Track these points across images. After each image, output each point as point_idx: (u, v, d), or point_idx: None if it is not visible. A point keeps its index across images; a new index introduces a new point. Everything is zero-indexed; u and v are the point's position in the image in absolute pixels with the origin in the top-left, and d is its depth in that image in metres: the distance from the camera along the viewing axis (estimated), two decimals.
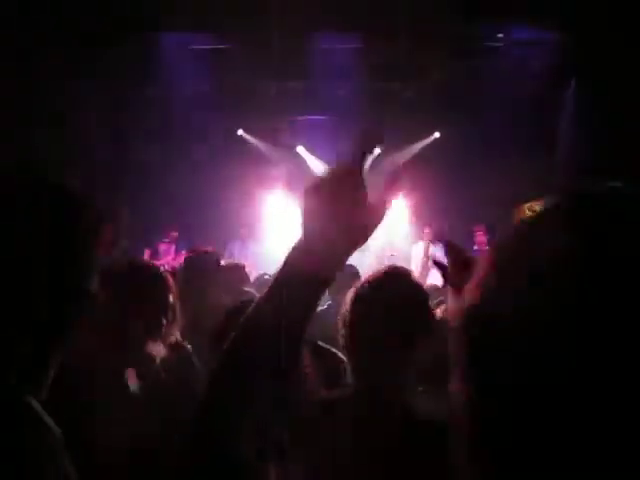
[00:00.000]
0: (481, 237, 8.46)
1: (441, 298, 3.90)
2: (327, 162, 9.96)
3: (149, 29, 6.74)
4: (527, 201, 10.17)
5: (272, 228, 9.92)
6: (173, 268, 8.21)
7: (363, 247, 0.84)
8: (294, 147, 9.93)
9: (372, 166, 8.84)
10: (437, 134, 9.55)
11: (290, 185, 10.12)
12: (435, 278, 8.54)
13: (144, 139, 8.18)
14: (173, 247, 8.64)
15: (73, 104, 6.92)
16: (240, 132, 9.67)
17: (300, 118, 9.10)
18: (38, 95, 6.78)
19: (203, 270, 3.50)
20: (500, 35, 7.17)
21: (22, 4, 5.91)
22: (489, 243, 8.46)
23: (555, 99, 7.30)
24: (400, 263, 8.67)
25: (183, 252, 8.55)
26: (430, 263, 8.81)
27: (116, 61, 6.78)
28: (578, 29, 6.59)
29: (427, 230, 8.76)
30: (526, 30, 6.79)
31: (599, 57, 6.57)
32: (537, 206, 10.16)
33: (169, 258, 8.55)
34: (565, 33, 6.74)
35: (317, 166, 10.02)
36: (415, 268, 8.80)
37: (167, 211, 8.86)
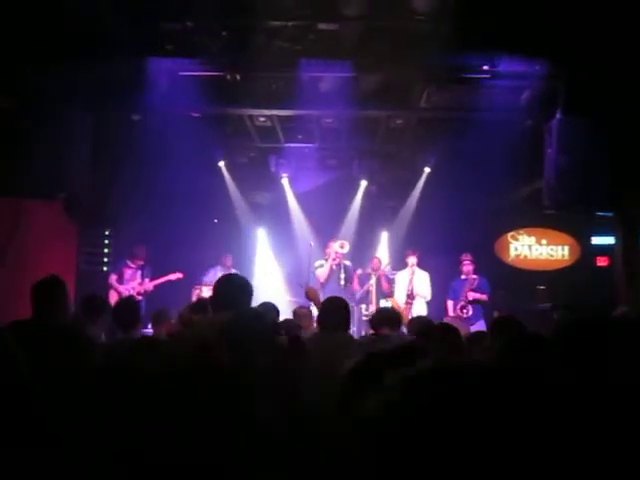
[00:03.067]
0: (468, 266, 8.47)
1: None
2: (312, 192, 10.01)
3: (137, 54, 6.75)
4: (511, 229, 10.26)
5: (258, 258, 9.92)
6: (139, 293, 8.20)
7: None
8: (279, 177, 9.95)
9: (366, 203, 8.88)
10: (428, 169, 9.62)
11: (274, 216, 10.15)
12: (420, 308, 8.56)
13: (129, 162, 8.15)
14: (139, 272, 8.57)
15: (58, 125, 6.89)
16: (220, 164, 9.69)
17: (287, 145, 9.12)
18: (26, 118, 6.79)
19: None
20: (485, 67, 7.27)
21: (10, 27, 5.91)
22: (475, 272, 8.48)
23: (540, 129, 7.37)
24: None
25: (147, 279, 8.55)
26: (416, 291, 8.81)
27: (103, 83, 6.77)
28: (563, 61, 6.69)
29: (412, 258, 8.77)
30: (511, 62, 6.89)
31: (585, 87, 6.66)
32: (520, 235, 10.25)
33: (134, 283, 8.48)
34: (551, 64, 6.84)
35: (294, 201, 10.10)
36: (399, 295, 8.81)
37: (141, 235, 8.83)
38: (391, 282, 8.91)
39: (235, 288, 3.06)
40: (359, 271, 8.91)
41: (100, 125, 7.39)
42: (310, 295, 4.44)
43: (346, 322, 3.94)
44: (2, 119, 6.73)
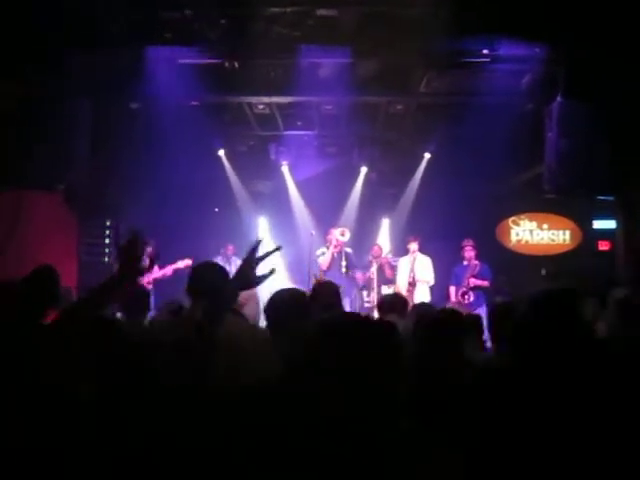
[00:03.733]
0: (469, 252, 8.47)
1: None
2: (312, 180, 10.01)
3: (136, 42, 6.72)
4: (512, 214, 10.25)
5: (259, 247, 9.90)
6: (148, 282, 8.14)
7: None
8: (279, 165, 9.94)
9: (366, 190, 8.83)
10: (428, 155, 9.60)
11: (274, 204, 10.14)
12: (422, 294, 8.58)
13: (128, 152, 8.13)
14: (147, 260, 8.50)
15: (58, 116, 6.87)
16: (220, 153, 9.66)
17: (287, 133, 9.10)
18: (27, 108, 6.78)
19: None
20: (485, 51, 7.23)
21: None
22: (477, 257, 8.48)
23: (541, 113, 7.34)
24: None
25: (156, 266, 8.50)
26: (418, 277, 8.83)
27: (101, 73, 6.75)
28: (563, 44, 6.66)
29: (413, 244, 8.77)
30: (511, 45, 6.85)
31: (585, 70, 6.63)
32: (521, 220, 10.24)
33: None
34: (550, 48, 6.81)
35: (295, 189, 10.08)
36: (400, 282, 8.82)
37: (141, 225, 8.78)
38: (394, 269, 8.91)
39: (213, 273, 3.02)
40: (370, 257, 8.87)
41: (99, 114, 7.37)
42: None
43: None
44: (9, 106, 6.70)
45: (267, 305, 3.12)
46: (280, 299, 3.14)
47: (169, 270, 8.44)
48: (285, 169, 10.01)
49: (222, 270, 3.06)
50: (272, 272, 1.96)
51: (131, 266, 1.74)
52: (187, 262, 8.47)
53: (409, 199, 9.97)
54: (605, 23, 6.19)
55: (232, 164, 9.84)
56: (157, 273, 8.45)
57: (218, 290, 2.77)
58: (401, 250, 9.16)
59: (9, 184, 7.04)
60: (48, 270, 3.82)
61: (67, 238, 8.63)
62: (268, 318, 3.11)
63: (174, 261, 8.41)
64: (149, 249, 8.47)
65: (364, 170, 10.01)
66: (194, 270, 3.09)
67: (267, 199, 10.37)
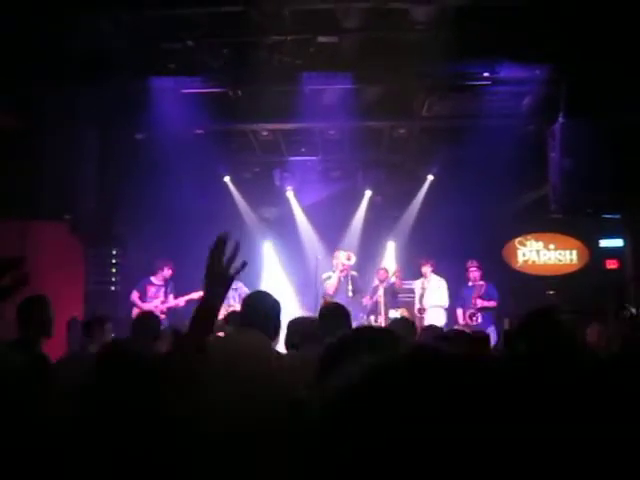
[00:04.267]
0: (474, 272, 8.44)
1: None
2: (317, 204, 10.04)
3: (140, 73, 6.81)
4: (519, 235, 10.22)
5: (265, 272, 9.90)
6: (162, 312, 8.07)
7: None
8: (285, 190, 9.97)
9: (371, 214, 8.79)
10: (431, 177, 9.62)
11: (280, 229, 10.15)
12: (437, 317, 8.52)
13: (134, 182, 8.18)
14: (162, 290, 8.46)
15: (65, 147, 6.95)
16: (226, 179, 9.72)
17: (291, 159, 9.15)
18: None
19: None
20: (486, 74, 7.28)
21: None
22: (482, 278, 8.44)
23: (544, 133, 7.37)
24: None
25: (171, 295, 8.46)
26: (429, 302, 8.77)
27: (106, 104, 6.83)
28: (564, 64, 6.69)
29: (425, 267, 8.75)
30: (512, 67, 6.90)
31: (587, 89, 6.65)
32: (527, 241, 10.20)
33: (157, 301, 8.39)
34: (551, 68, 6.85)
35: (300, 214, 10.09)
36: (415, 305, 8.79)
37: (156, 253, 8.78)
38: (396, 294, 8.87)
39: (265, 305, 3.10)
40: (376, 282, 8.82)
41: (105, 145, 7.45)
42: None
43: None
44: (6, 139, 6.77)
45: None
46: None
47: (182, 301, 8.38)
48: (290, 194, 10.04)
49: (274, 303, 3.12)
50: (244, 265, 1.93)
51: (218, 269, 1.69)
52: (201, 294, 8.39)
53: (412, 221, 9.97)
54: (606, 41, 6.23)
55: (237, 191, 9.89)
56: (171, 302, 8.40)
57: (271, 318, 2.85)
58: (407, 272, 9.13)
59: (14, 214, 7.08)
60: (37, 299, 3.84)
61: (73, 267, 8.65)
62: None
63: (186, 291, 8.34)
64: (168, 271, 8.47)
65: (368, 194, 10.03)
66: (248, 299, 3.15)
67: (273, 225, 10.39)
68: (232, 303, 8.12)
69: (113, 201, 8.07)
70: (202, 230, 9.28)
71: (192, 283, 8.52)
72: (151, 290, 8.39)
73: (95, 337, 4.99)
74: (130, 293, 8.44)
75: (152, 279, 8.41)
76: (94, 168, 7.43)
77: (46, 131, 6.99)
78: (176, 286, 8.56)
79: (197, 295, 8.35)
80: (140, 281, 8.50)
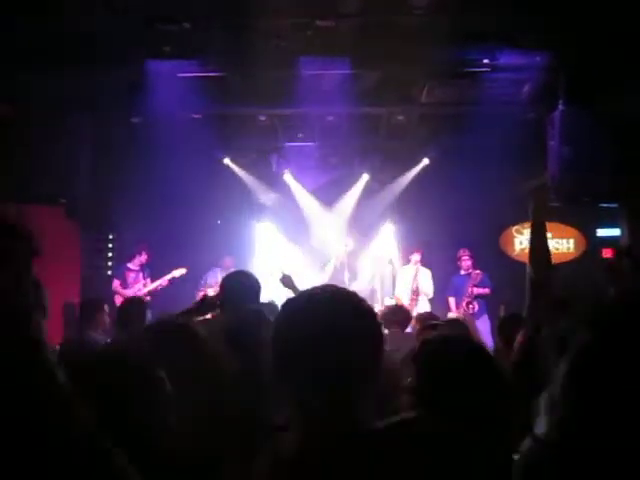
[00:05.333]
0: (466, 261, 8.46)
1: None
2: (314, 189, 9.98)
3: (136, 57, 6.73)
4: (516, 223, 10.20)
5: (259, 259, 9.83)
6: (146, 295, 8.07)
7: None
8: (281, 174, 9.90)
9: (367, 200, 8.76)
10: (426, 160, 9.56)
11: (277, 214, 10.09)
12: (423, 306, 8.51)
13: (129, 166, 8.13)
14: (141, 274, 8.49)
15: (60, 131, 6.90)
16: (226, 161, 9.64)
17: (288, 144, 9.08)
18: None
19: None
20: (486, 60, 7.23)
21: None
22: (474, 266, 8.44)
23: (543, 121, 7.32)
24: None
25: (149, 279, 8.49)
26: (420, 288, 8.77)
27: (101, 88, 6.76)
28: (563, 51, 6.64)
29: (417, 255, 8.73)
30: (512, 54, 6.84)
31: (586, 77, 6.61)
32: (524, 229, 10.18)
33: (139, 285, 8.39)
34: (551, 55, 6.79)
35: (302, 194, 9.99)
36: (401, 292, 8.76)
37: (144, 238, 8.76)
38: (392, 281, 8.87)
39: (243, 285, 3.07)
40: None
41: (100, 129, 7.39)
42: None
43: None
44: (2, 126, 6.72)
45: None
46: None
47: (164, 281, 8.39)
48: (288, 176, 9.91)
49: (252, 282, 3.09)
50: None
51: None
52: (182, 271, 8.41)
53: (410, 207, 9.89)
54: (604, 29, 6.17)
55: (234, 175, 9.81)
56: (151, 285, 8.40)
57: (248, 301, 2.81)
58: (403, 259, 9.12)
59: (10, 199, 7.04)
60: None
61: (69, 252, 8.61)
62: None
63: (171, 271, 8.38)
64: (144, 255, 8.48)
65: (365, 177, 9.88)
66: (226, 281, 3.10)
67: (270, 211, 10.31)
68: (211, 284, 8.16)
69: (109, 185, 8.02)
70: (196, 213, 9.27)
71: (185, 265, 8.51)
72: (130, 276, 8.42)
73: (92, 322, 4.98)
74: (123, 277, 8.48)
75: (129, 265, 8.44)
76: (90, 152, 7.38)
77: (41, 116, 6.93)
78: (168, 268, 8.53)
79: (178, 273, 8.35)
80: (117, 269, 8.54)
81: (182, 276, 8.43)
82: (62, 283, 7.39)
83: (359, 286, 8.74)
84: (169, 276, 8.36)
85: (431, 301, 8.68)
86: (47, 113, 6.97)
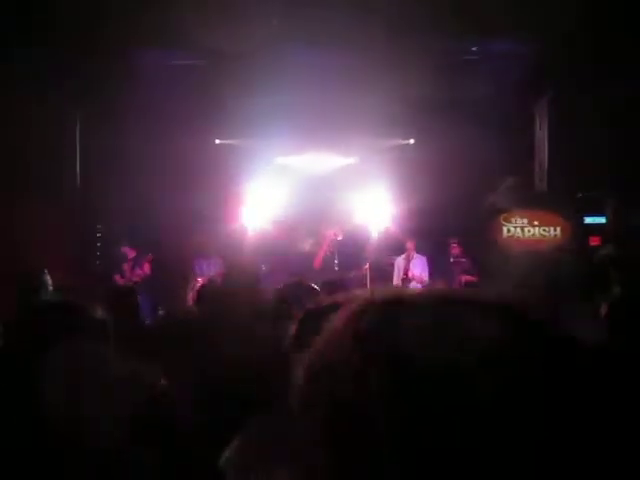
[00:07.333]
0: (456, 249, 8.52)
1: None
2: (301, 173, 9.96)
3: (125, 45, 6.69)
4: (502, 212, 10.25)
5: (248, 244, 9.80)
6: (136, 282, 8.10)
7: None
8: (271, 161, 9.87)
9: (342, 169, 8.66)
10: (412, 141, 9.59)
11: (264, 200, 10.06)
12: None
13: (118, 155, 8.11)
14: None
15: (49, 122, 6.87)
16: (217, 142, 9.62)
17: (275, 131, 9.06)
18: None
19: None
20: (474, 48, 7.24)
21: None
22: (464, 254, 8.51)
23: (531, 109, 7.36)
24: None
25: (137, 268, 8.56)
26: (411, 275, 8.83)
27: (89, 78, 6.74)
28: (552, 40, 6.65)
29: (409, 244, 8.78)
30: (501, 42, 6.86)
31: (575, 66, 6.64)
32: (512, 217, 10.24)
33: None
34: (540, 44, 6.81)
35: (289, 184, 9.96)
36: (395, 281, 8.82)
37: (132, 226, 8.78)
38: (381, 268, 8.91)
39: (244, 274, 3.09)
40: None
41: (89, 119, 7.37)
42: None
43: None
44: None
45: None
46: None
47: (146, 268, 8.45)
48: (277, 163, 9.89)
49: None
50: None
51: None
52: (148, 257, 8.52)
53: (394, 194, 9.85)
54: (594, 17, 6.18)
55: (224, 161, 9.75)
56: (136, 275, 8.45)
57: None
58: (391, 247, 9.17)
59: (1, 187, 7.03)
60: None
61: (58, 240, 8.59)
62: None
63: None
64: (132, 252, 8.53)
65: (354, 160, 9.84)
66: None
67: (258, 195, 10.22)
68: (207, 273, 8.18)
69: (97, 175, 8.01)
70: (187, 200, 9.24)
71: (174, 257, 8.51)
72: (126, 268, 8.52)
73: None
74: (113, 266, 8.52)
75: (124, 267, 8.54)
76: (79, 142, 7.37)
77: (28, 102, 6.89)
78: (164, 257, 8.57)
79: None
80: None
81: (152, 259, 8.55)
82: (50, 270, 7.37)
83: (350, 273, 8.78)
84: (145, 263, 8.46)
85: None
86: (32, 98, 6.91)
